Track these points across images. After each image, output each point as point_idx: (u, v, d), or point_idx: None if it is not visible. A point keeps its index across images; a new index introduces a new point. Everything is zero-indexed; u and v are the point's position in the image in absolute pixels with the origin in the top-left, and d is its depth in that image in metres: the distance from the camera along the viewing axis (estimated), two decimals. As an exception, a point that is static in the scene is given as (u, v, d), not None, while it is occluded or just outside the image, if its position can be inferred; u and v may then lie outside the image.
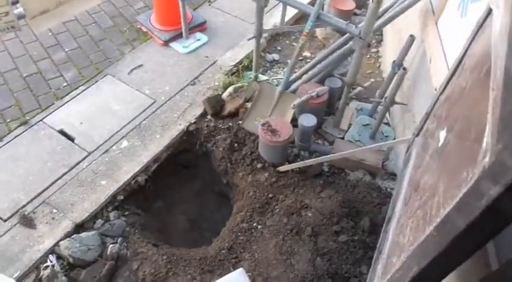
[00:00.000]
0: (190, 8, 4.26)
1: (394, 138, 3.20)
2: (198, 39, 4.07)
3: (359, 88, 3.64)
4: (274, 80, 3.75)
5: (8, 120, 3.34)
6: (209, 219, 3.28)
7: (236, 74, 3.77)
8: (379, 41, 4.22)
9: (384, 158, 3.07)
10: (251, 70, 3.72)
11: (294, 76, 3.47)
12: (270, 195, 2.92)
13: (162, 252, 2.71)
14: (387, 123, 3.37)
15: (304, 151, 3.20)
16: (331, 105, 3.38)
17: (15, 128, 3.29)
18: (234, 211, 2.99)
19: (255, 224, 2.80)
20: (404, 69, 2.65)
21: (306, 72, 3.40)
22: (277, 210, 2.83)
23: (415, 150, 1.83)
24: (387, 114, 3.33)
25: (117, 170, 3.05)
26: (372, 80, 3.85)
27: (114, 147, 3.19)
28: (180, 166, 3.40)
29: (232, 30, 4.17)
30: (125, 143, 3.22)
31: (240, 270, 1.52)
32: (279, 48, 4.15)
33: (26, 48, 3.93)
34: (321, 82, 3.31)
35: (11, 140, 3.22)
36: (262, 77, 3.77)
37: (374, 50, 4.14)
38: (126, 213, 2.96)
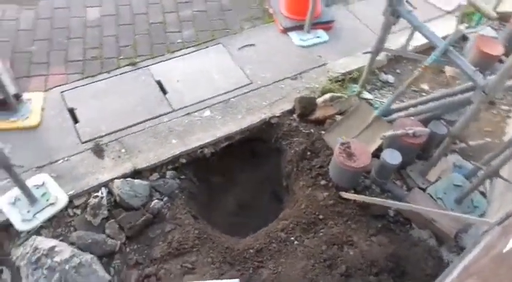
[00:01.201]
0: (322, 4, 4.11)
1: (483, 213, 2.74)
2: (318, 37, 3.93)
3: (468, 143, 3.18)
4: (377, 102, 3.47)
5: (121, 57, 3.62)
6: (256, 212, 3.21)
7: (341, 83, 3.57)
8: (516, 99, 3.63)
9: (461, 229, 2.65)
10: (358, 84, 3.49)
11: (398, 105, 3.17)
12: (321, 217, 2.73)
13: (196, 226, 2.72)
14: (483, 193, 2.90)
15: (376, 186, 2.93)
16: (426, 150, 3.02)
17: (124, 66, 3.55)
18: (279, 216, 2.88)
19: (292, 238, 2.65)
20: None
21: (413, 106, 3.08)
22: (321, 234, 2.64)
23: (486, 239, 1.51)
24: (487, 184, 2.87)
25: (190, 135, 3.12)
26: (488, 139, 3.34)
27: (196, 113, 3.26)
28: (249, 152, 3.36)
29: (356, 38, 3.94)
30: (207, 113, 3.27)
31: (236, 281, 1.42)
32: (398, 70, 3.82)
33: (161, -2, 4.20)
34: (425, 123, 2.95)
35: (116, 75, 3.49)
36: (366, 95, 3.51)
37: (505, 107, 3.58)
38: (182, 177, 3.02)
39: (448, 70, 3.78)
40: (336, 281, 2.40)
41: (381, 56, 3.72)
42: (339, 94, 3.38)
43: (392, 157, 2.71)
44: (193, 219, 2.80)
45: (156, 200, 2.81)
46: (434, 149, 2.95)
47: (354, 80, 3.59)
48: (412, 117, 2.97)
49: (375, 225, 2.68)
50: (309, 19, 3.80)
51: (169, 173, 2.97)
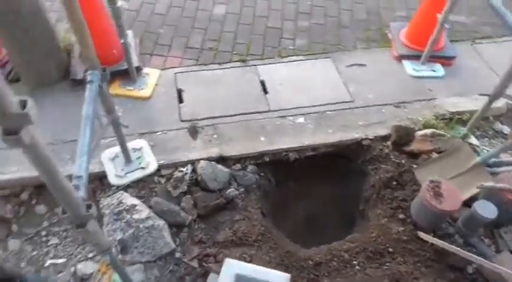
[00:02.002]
0: (447, 37, 3.92)
1: None
2: (433, 70, 3.75)
3: None
4: (484, 151, 3.19)
5: (234, 52, 3.85)
6: (323, 228, 3.15)
7: (447, 121, 3.35)
8: None
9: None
10: (465, 127, 3.25)
11: (508, 159, 2.89)
12: (390, 250, 2.59)
13: (263, 223, 2.77)
14: None
15: (460, 237, 2.69)
16: (530, 213, 2.69)
17: (235, 61, 3.77)
18: (347, 238, 2.79)
19: (355, 262, 2.56)
20: None
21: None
22: (386, 267, 2.50)
23: None
24: None
25: (279, 136, 3.19)
26: None
27: (290, 117, 3.33)
28: (330, 167, 3.32)
29: (476, 80, 3.67)
30: (300, 119, 3.32)
31: (287, 276, 1.42)
32: (516, 123, 3.48)
33: (285, 2, 4.36)
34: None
35: (226, 68, 3.71)
36: (472, 140, 3.25)
37: None
38: (262, 174, 3.10)
39: None
40: (390, 319, 2.25)
41: (501, 103, 3.44)
42: (441, 132, 3.18)
43: (486, 210, 2.47)
44: (262, 216, 2.85)
45: (232, 189, 2.92)
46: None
47: (463, 123, 3.35)
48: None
49: (447, 276, 2.47)
50: (428, 50, 3.65)
51: (250, 167, 3.07)
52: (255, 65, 3.73)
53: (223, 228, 2.75)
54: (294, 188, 3.33)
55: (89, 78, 2.05)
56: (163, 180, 2.96)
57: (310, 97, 3.48)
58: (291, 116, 3.34)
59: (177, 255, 2.68)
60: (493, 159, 2.89)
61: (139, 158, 3.01)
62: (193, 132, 3.20)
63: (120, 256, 2.60)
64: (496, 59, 3.80)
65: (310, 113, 3.36)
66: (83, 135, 1.85)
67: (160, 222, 2.72)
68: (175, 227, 2.77)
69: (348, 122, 3.31)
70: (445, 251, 2.53)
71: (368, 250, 2.60)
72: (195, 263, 2.66)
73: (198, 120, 3.28)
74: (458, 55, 3.83)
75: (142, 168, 2.95)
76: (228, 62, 3.76)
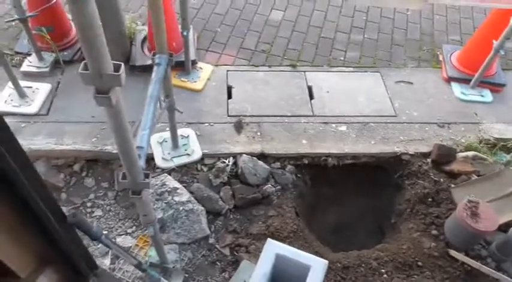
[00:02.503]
0: (500, 64, 3.90)
1: None
2: (482, 95, 3.73)
3: None
4: (527, 180, 3.15)
5: (285, 57, 3.98)
6: (353, 236, 3.20)
7: (490, 146, 3.34)
8: None
9: None
10: (509, 154, 3.23)
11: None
12: (420, 263, 2.61)
13: (295, 222, 2.86)
14: None
15: (493, 261, 2.67)
16: None
17: (285, 65, 3.90)
18: (377, 246, 2.83)
19: (383, 270, 2.60)
20: None
21: None
22: (413, 279, 2.53)
23: None
24: None
25: (321, 141, 3.28)
26: None
27: (333, 125, 3.41)
28: (367, 178, 3.36)
29: (525, 109, 3.64)
30: (343, 128, 3.39)
31: (325, 262, 1.50)
32: (562, 157, 3.40)
33: (340, 15, 4.47)
34: None
35: (276, 71, 3.85)
36: (515, 168, 3.22)
37: None
38: (299, 175, 3.19)
39: None
40: (413, 329, 2.28)
41: (549, 136, 3.39)
42: (484, 156, 3.17)
43: (523, 236, 2.46)
44: (295, 215, 2.94)
45: (269, 185, 3.03)
46: None
47: (507, 150, 3.33)
48: None
49: (476, 296, 2.46)
50: (479, 75, 3.65)
51: (289, 167, 3.16)
52: (304, 71, 3.85)
53: (256, 222, 2.86)
54: (329, 193, 3.39)
55: (157, 60, 2.22)
56: (205, 169, 3.11)
57: (354, 108, 3.55)
58: (334, 123, 3.43)
59: (211, 241, 2.81)
60: (536, 189, 2.86)
61: (185, 144, 3.17)
62: (239, 127, 3.34)
63: (158, 234, 2.75)
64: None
65: (353, 123, 3.43)
66: (147, 111, 2.01)
67: (199, 208, 2.86)
68: (212, 214, 2.90)
69: (390, 136, 3.35)
70: (476, 272, 2.53)
71: (397, 261, 2.63)
72: (227, 251, 2.78)
73: (244, 116, 3.42)
74: (509, 83, 3.79)
75: (188, 154, 3.11)
76: (279, 66, 3.90)
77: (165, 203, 2.83)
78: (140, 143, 1.90)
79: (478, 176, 3.04)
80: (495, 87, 3.79)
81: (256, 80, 3.75)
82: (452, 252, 2.62)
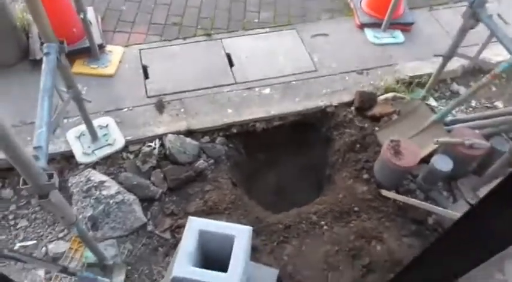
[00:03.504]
0: (406, 5, 4.01)
1: None
2: (393, 37, 3.84)
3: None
4: (441, 110, 3.32)
5: (199, 27, 3.83)
6: (293, 194, 3.25)
7: (407, 85, 3.46)
8: None
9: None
10: (424, 89, 3.37)
11: (464, 117, 3.03)
12: (356, 209, 2.71)
13: (233, 192, 2.83)
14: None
15: (421, 192, 2.83)
16: (484, 166, 2.85)
17: (199, 35, 3.75)
18: (315, 200, 2.89)
19: (323, 223, 2.66)
20: None
21: (480, 118, 2.92)
22: (352, 225, 2.62)
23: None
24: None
25: (246, 108, 3.23)
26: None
27: (256, 89, 3.37)
28: (298, 136, 3.39)
29: (433, 44, 3.78)
30: (267, 90, 3.36)
31: (249, 228, 1.48)
32: (471, 83, 3.62)
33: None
34: (488, 138, 2.79)
35: (191, 42, 3.70)
36: (431, 101, 3.38)
37: None
38: (231, 145, 3.15)
39: (529, 91, 3.52)
40: (357, 271, 2.37)
41: (456, 66, 3.57)
42: (402, 95, 3.29)
43: (443, 163, 2.61)
44: (232, 186, 2.91)
45: (201, 161, 2.96)
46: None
47: (422, 85, 3.47)
48: (473, 130, 2.82)
49: (409, 228, 2.61)
50: (388, 17, 3.73)
51: (219, 139, 3.11)
52: (220, 39, 3.73)
53: (193, 200, 2.80)
54: (263, 158, 3.39)
55: (45, 50, 2.02)
56: (131, 156, 2.97)
57: (275, 68, 3.52)
58: (257, 87, 3.38)
59: (149, 228, 2.72)
60: (450, 118, 3.03)
61: (105, 135, 2.99)
62: (160, 107, 3.20)
63: (91, 232, 2.61)
64: (452, 24, 3.90)
65: (276, 84, 3.41)
66: (41, 106, 1.84)
67: (131, 197, 2.74)
68: (146, 201, 2.80)
69: (313, 91, 3.37)
70: (406, 206, 2.67)
71: (335, 211, 2.71)
72: (167, 235, 2.71)
73: (164, 95, 3.27)
74: (417, 21, 3.93)
75: (110, 144, 2.95)
76: (193, 37, 3.74)
77: (94, 199, 2.69)
78: (37, 143, 1.74)
79: (398, 115, 3.15)
80: (404, 26, 3.90)
81: (172, 55, 3.58)
82: (384, 192, 2.74)
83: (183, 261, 1.39)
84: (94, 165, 2.89)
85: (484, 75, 3.62)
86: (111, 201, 2.68)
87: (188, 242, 1.43)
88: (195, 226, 1.47)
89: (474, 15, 2.50)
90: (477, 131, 2.80)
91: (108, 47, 3.55)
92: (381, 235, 2.53)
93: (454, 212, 2.52)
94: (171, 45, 3.66)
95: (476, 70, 3.66)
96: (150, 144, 2.98)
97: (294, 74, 3.49)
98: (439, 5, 4.19)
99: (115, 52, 3.53)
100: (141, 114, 3.15)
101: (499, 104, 3.48)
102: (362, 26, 3.90)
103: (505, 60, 2.41)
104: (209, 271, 1.35)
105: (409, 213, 2.67)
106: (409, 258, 2.38)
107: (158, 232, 2.69)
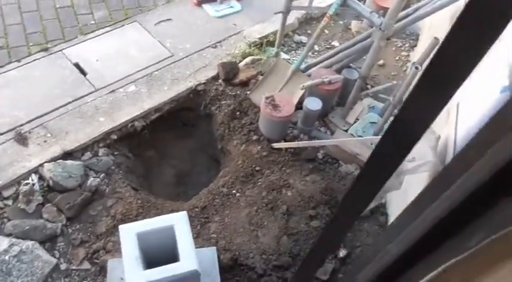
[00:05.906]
0: (231, -25, 4.23)
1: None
2: (231, 7, 4.04)
3: (378, 87, 3.52)
4: (295, 61, 3.68)
5: (31, 44, 3.46)
6: (196, 178, 3.29)
7: (259, 46, 3.73)
8: (413, 46, 4.06)
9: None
10: (274, 46, 3.67)
11: (314, 61, 3.41)
12: (257, 168, 2.89)
13: (138, 197, 2.75)
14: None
15: (304, 134, 3.15)
16: (344, 97, 3.29)
17: (35, 53, 3.39)
18: (219, 175, 2.99)
19: (234, 191, 2.79)
20: (417, 68, 2.53)
21: (326, 58, 3.33)
22: (260, 183, 2.80)
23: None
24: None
25: (118, 110, 3.10)
26: (394, 82, 3.71)
27: (121, 90, 3.24)
28: (179, 122, 3.42)
29: (269, 5, 4.07)
30: (132, 88, 3.26)
31: (184, 213, 1.50)
32: (309, 31, 4.06)
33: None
34: (340, 72, 3.22)
35: (29, 62, 3.33)
36: (283, 56, 3.71)
37: (405, 53, 3.99)
38: (116, 153, 3.00)
39: (354, 26, 4.11)
40: (279, 220, 2.58)
41: (292, 20, 3.95)
42: (258, 57, 3.54)
43: (313, 104, 2.93)
44: (134, 191, 2.82)
45: (92, 178, 2.77)
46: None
47: (271, 43, 3.77)
48: (327, 69, 3.22)
49: (307, 168, 2.90)
50: (219, -11, 3.90)
51: (101, 151, 2.93)
52: (61, 50, 3.43)
53: (100, 219, 2.64)
54: (154, 154, 3.33)
55: None
56: (10, 202, 2.63)
57: (132, 64, 3.41)
58: (120, 87, 3.25)
59: (63, 267, 2.49)
60: (304, 65, 3.38)
61: (-32, 190, 2.57)
62: (21, 139, 2.85)
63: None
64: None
65: (138, 79, 3.32)
66: None
67: (29, 243, 2.45)
68: (48, 241, 2.54)
69: (177, 75, 3.39)
70: (298, 150, 2.95)
71: (240, 176, 2.85)
72: (86, 265, 2.52)
73: (20, 126, 2.92)
74: (247, -12, 4.18)
75: (-22, 199, 2.55)
76: (28, 56, 3.36)
77: (-16, 263, 2.33)
78: None
79: (262, 74, 3.39)
80: (238, -5, 4.13)
81: (10, 81, 3.18)
82: (275, 145, 2.97)
83: (133, 269, 1.35)
84: (-32, 228, 2.48)
85: (317, 22, 4.14)
86: (6, 258, 2.36)
87: (130, 249, 1.39)
88: (130, 231, 1.43)
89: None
90: (329, 69, 3.21)
91: None
92: (287, 182, 2.76)
93: (336, 140, 2.89)
94: (5, 72, 3.24)
95: (309, 19, 4.12)
96: (27, 181, 2.67)
97: (152, 65, 3.44)
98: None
99: None
100: (2, 155, 2.77)
101: (335, 43, 4.00)
102: (200, 4, 4.00)
103: (334, 1, 2.76)
104: (164, 266, 1.34)
105: (302, 155, 2.96)
106: (316, 192, 2.68)
107: (75, 266, 2.48)
